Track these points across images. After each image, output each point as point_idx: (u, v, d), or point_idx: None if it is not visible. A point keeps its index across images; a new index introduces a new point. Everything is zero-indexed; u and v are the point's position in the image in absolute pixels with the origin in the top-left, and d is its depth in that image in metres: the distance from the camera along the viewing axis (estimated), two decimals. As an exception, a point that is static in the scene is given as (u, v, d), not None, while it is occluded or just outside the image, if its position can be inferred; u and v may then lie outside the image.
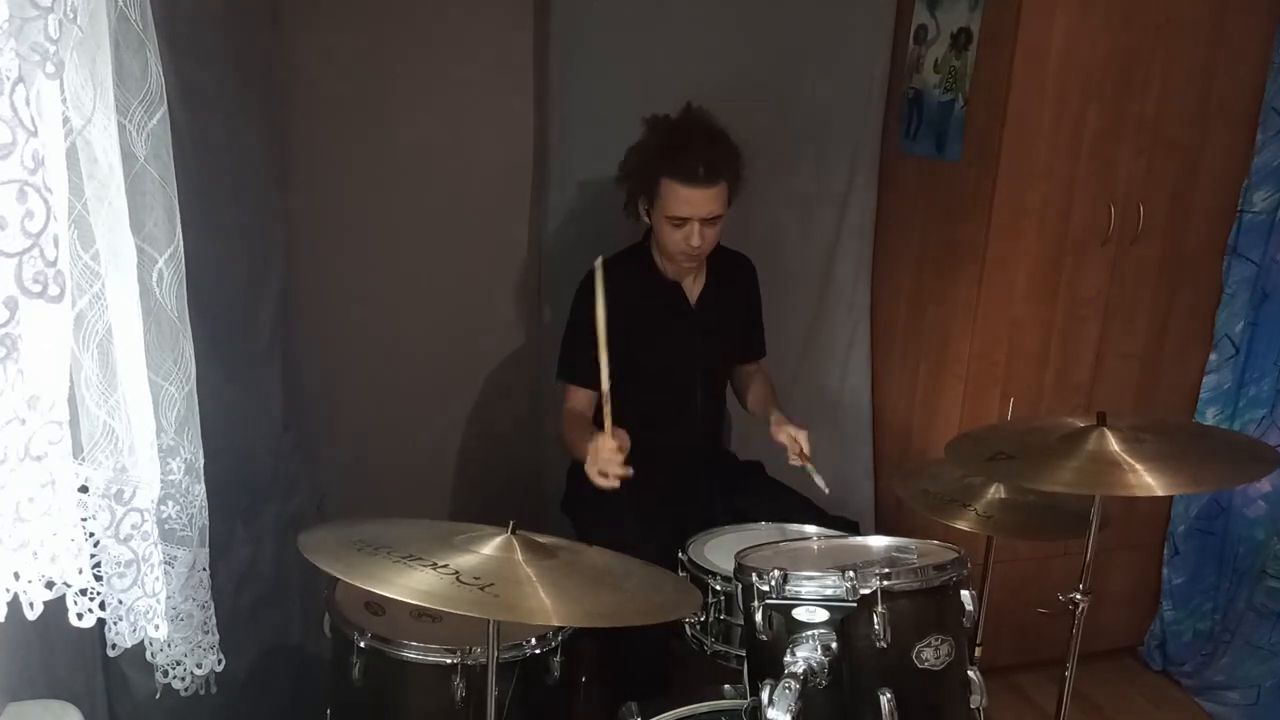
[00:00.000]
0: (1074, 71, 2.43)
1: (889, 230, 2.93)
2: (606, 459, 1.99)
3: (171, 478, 1.43)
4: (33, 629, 1.34)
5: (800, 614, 1.56)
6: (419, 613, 1.78)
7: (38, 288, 0.96)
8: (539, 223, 2.66)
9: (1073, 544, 2.00)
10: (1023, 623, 2.27)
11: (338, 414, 2.45)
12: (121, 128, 1.23)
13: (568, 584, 1.43)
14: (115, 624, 1.37)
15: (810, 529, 2.12)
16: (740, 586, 1.68)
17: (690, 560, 1.97)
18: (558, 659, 1.75)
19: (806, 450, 2.19)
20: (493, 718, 1.52)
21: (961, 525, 1.99)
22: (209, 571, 1.55)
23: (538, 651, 1.73)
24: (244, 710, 1.90)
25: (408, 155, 2.45)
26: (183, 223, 1.35)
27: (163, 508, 1.42)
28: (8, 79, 0.90)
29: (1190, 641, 2.91)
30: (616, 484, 1.99)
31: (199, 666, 1.59)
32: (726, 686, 1.87)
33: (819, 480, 2.15)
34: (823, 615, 1.55)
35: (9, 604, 1.05)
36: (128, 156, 1.25)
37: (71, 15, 1.03)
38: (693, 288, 2.41)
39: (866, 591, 1.53)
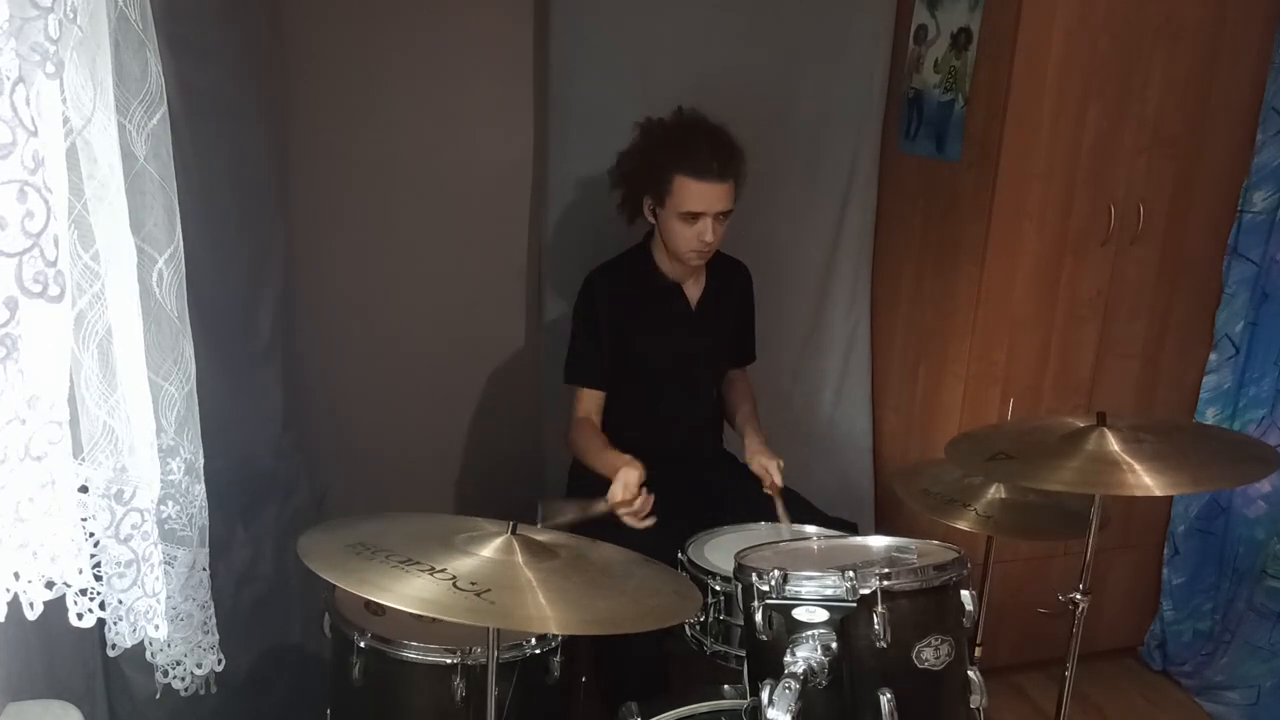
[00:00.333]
0: (1074, 71, 2.43)
1: (889, 230, 2.93)
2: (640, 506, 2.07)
3: (171, 478, 1.43)
4: (33, 629, 1.34)
5: (800, 614, 1.56)
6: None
7: (38, 288, 0.96)
8: (539, 223, 2.66)
9: (1073, 544, 2.00)
10: (1023, 623, 2.27)
11: (338, 414, 2.45)
12: (121, 128, 1.23)
13: (566, 587, 1.42)
14: (115, 624, 1.37)
15: (810, 529, 2.12)
16: (740, 586, 1.68)
17: (690, 560, 1.97)
18: (557, 659, 1.75)
19: (779, 481, 2.23)
20: (493, 718, 1.52)
21: (961, 525, 1.99)
22: (209, 571, 1.55)
23: (537, 651, 1.73)
24: (244, 710, 1.89)
25: (408, 155, 2.45)
26: (183, 223, 1.35)
27: (163, 508, 1.42)
28: (8, 79, 0.90)
29: (1190, 641, 2.91)
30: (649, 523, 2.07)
31: (199, 666, 1.59)
32: (726, 686, 1.87)
33: (781, 514, 2.17)
34: (823, 615, 1.55)
35: (9, 604, 1.05)
36: (128, 156, 1.25)
37: (71, 15, 1.03)
38: (693, 290, 2.41)
39: (866, 591, 1.53)
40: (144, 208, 1.30)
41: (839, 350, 3.00)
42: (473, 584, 1.37)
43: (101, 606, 1.25)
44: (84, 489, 1.28)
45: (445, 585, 1.36)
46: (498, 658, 1.50)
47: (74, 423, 1.22)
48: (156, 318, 1.35)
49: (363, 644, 1.71)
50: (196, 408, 1.45)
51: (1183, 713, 2.77)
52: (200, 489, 1.48)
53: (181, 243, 1.35)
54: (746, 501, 2.24)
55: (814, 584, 1.56)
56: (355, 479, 2.39)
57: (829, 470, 2.94)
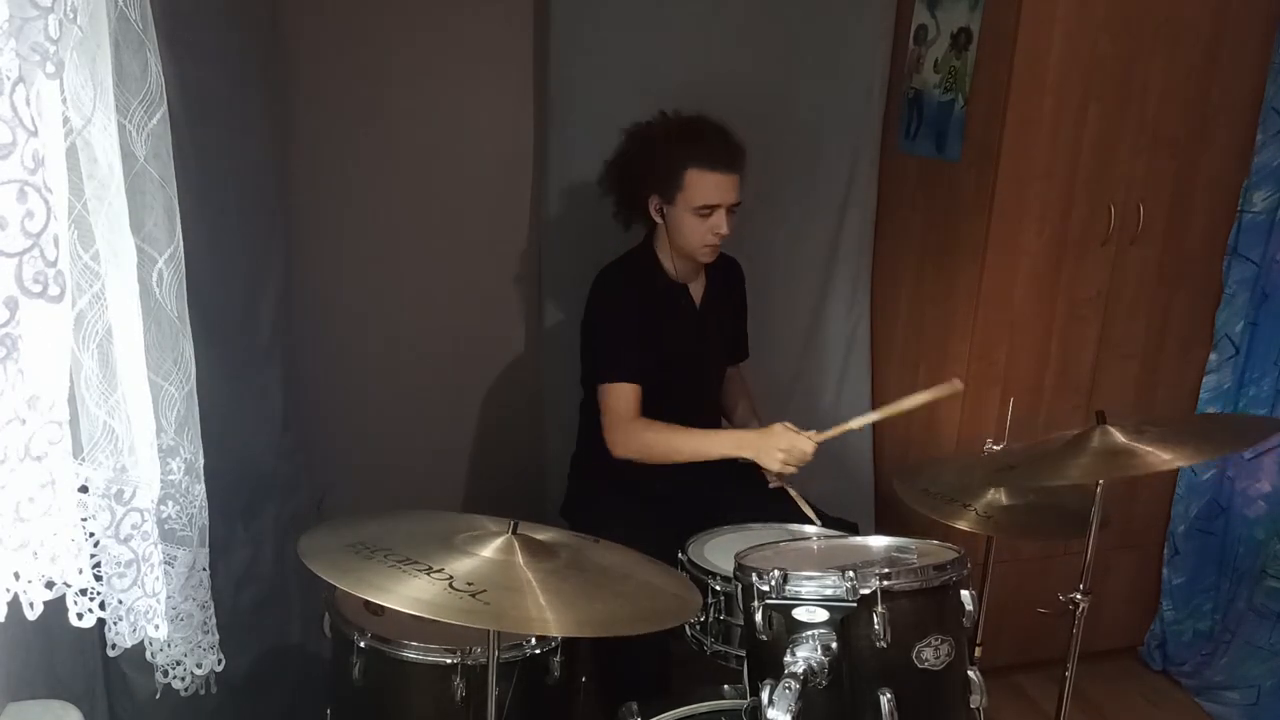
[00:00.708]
0: (1074, 71, 2.43)
1: (889, 230, 2.93)
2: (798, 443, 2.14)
3: (171, 478, 1.43)
4: (33, 629, 1.34)
5: (800, 614, 1.56)
6: (418, 612, 1.78)
7: (38, 288, 0.96)
8: (539, 223, 2.66)
9: (1073, 544, 2.00)
10: (1023, 623, 2.26)
11: (338, 414, 2.45)
12: (121, 128, 1.23)
13: (564, 589, 1.42)
14: (115, 624, 1.37)
15: (810, 529, 2.12)
16: (740, 587, 1.68)
17: (690, 560, 1.97)
18: (558, 659, 1.75)
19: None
20: (493, 718, 1.52)
21: (961, 525, 1.99)
22: (209, 571, 1.55)
23: (538, 651, 1.73)
24: (244, 710, 1.89)
25: (408, 155, 2.45)
26: (183, 223, 1.35)
27: (163, 508, 1.42)
28: (8, 79, 0.90)
29: (1190, 641, 2.91)
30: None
31: (199, 666, 1.59)
32: (726, 686, 1.87)
33: (799, 501, 2.20)
34: (823, 615, 1.55)
35: (9, 604, 1.05)
36: (128, 156, 1.25)
37: (71, 15, 1.03)
38: (697, 290, 2.42)
39: (866, 591, 1.53)
40: (144, 208, 1.30)
41: (839, 350, 3.00)
42: (469, 584, 1.36)
43: (101, 606, 1.25)
44: (84, 489, 1.28)
45: (441, 586, 1.36)
46: (498, 658, 1.50)
47: (74, 423, 1.22)
48: (156, 318, 1.35)
49: (363, 644, 1.71)
50: (196, 408, 1.45)
51: (1183, 713, 2.77)
52: (200, 489, 1.48)
53: (181, 243, 1.35)
54: (746, 501, 2.24)
55: (814, 584, 1.56)
56: (355, 479, 2.39)
57: (829, 470, 2.93)
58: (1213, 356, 2.77)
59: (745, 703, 1.73)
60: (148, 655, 1.53)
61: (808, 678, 1.50)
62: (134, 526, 1.33)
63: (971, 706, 1.63)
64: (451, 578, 1.38)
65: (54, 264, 0.97)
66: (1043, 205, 2.51)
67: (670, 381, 2.36)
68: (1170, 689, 2.86)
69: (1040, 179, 2.48)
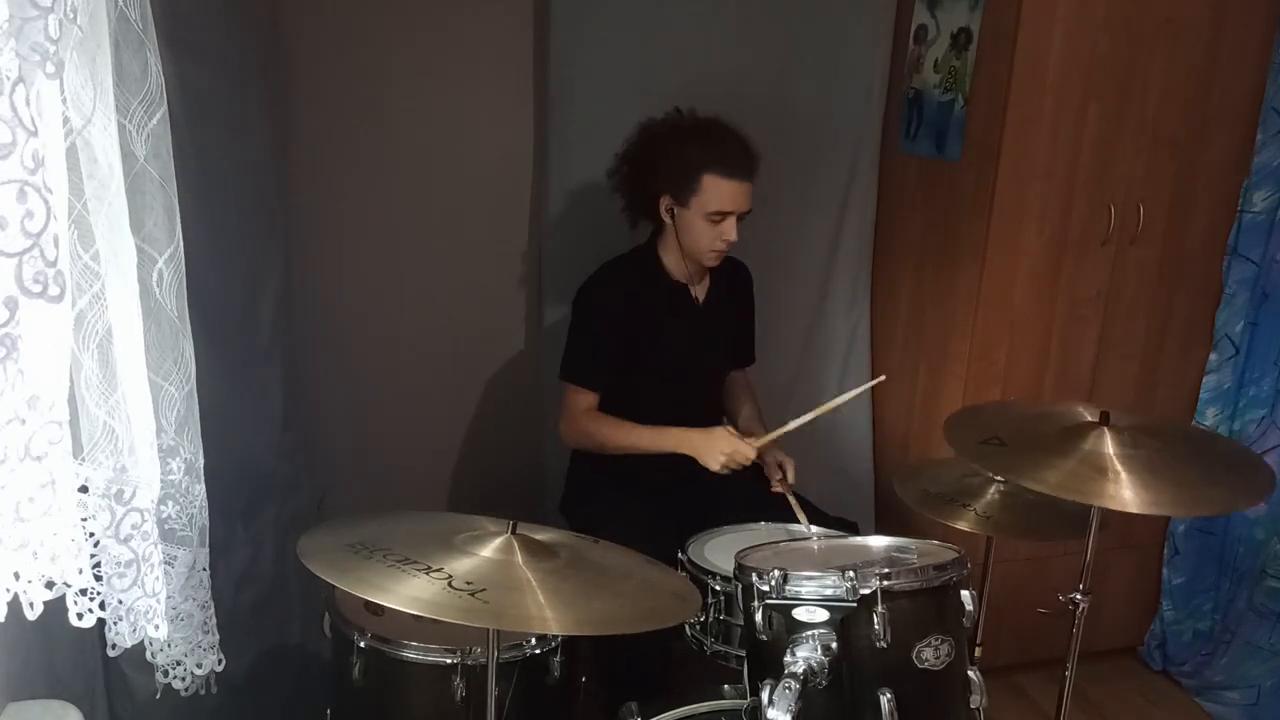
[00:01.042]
0: (1074, 71, 2.42)
1: (889, 230, 2.93)
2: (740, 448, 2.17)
3: (171, 478, 1.43)
4: (33, 629, 1.34)
5: (800, 614, 1.56)
6: (418, 612, 1.78)
7: (38, 288, 0.96)
8: (539, 223, 2.66)
9: (1073, 544, 2.00)
10: (1023, 623, 2.26)
11: (338, 414, 2.45)
12: (121, 128, 1.23)
13: (563, 588, 1.42)
14: (115, 624, 1.37)
15: (810, 529, 2.12)
16: (740, 587, 1.68)
17: (690, 560, 1.97)
18: (558, 659, 1.75)
19: (791, 479, 2.27)
20: (493, 718, 1.52)
21: (961, 525, 1.99)
22: (209, 571, 1.55)
23: (538, 651, 1.73)
24: (244, 710, 1.89)
25: (408, 155, 2.45)
26: (183, 223, 1.35)
27: (163, 508, 1.42)
28: (8, 79, 0.90)
29: (1190, 641, 2.91)
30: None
31: (199, 666, 1.59)
32: (726, 686, 1.87)
33: (797, 511, 2.19)
34: (823, 615, 1.55)
35: (9, 604, 1.05)
36: (128, 156, 1.25)
37: (71, 15, 1.03)
38: (699, 290, 2.42)
39: (866, 591, 1.53)
40: (144, 208, 1.29)
41: (839, 350, 3.00)
42: (468, 584, 1.37)
43: (101, 606, 1.25)
44: (84, 489, 1.28)
45: (441, 585, 1.36)
46: (498, 658, 1.50)
47: (74, 423, 1.22)
48: (156, 318, 1.35)
49: (363, 644, 1.71)
50: (196, 408, 1.45)
51: (1183, 713, 2.77)
52: (200, 489, 1.48)
53: (181, 243, 1.35)
54: (746, 501, 2.24)
55: (814, 584, 1.56)
56: (355, 479, 2.39)
57: (829, 470, 2.93)
58: (1213, 356, 2.77)
59: (745, 703, 1.73)
60: (148, 655, 1.53)
61: (808, 678, 1.50)
62: (134, 526, 1.33)
63: (971, 706, 1.63)
64: (451, 577, 1.38)
65: (54, 264, 0.97)
66: (1043, 205, 2.51)
67: (670, 380, 2.37)
68: (1170, 689, 2.86)
69: (1040, 179, 2.48)
